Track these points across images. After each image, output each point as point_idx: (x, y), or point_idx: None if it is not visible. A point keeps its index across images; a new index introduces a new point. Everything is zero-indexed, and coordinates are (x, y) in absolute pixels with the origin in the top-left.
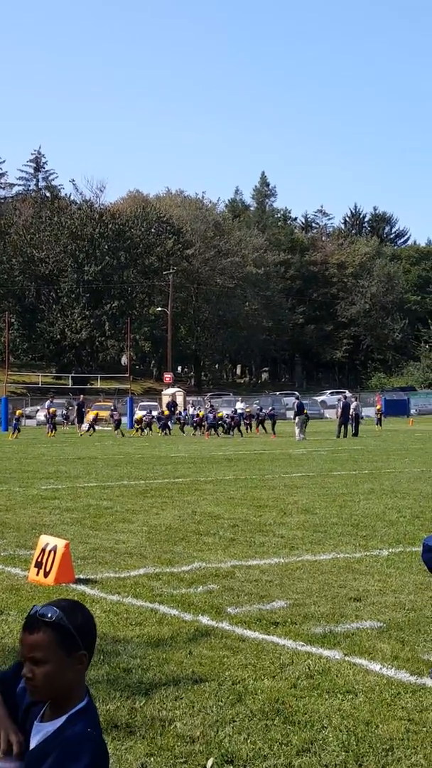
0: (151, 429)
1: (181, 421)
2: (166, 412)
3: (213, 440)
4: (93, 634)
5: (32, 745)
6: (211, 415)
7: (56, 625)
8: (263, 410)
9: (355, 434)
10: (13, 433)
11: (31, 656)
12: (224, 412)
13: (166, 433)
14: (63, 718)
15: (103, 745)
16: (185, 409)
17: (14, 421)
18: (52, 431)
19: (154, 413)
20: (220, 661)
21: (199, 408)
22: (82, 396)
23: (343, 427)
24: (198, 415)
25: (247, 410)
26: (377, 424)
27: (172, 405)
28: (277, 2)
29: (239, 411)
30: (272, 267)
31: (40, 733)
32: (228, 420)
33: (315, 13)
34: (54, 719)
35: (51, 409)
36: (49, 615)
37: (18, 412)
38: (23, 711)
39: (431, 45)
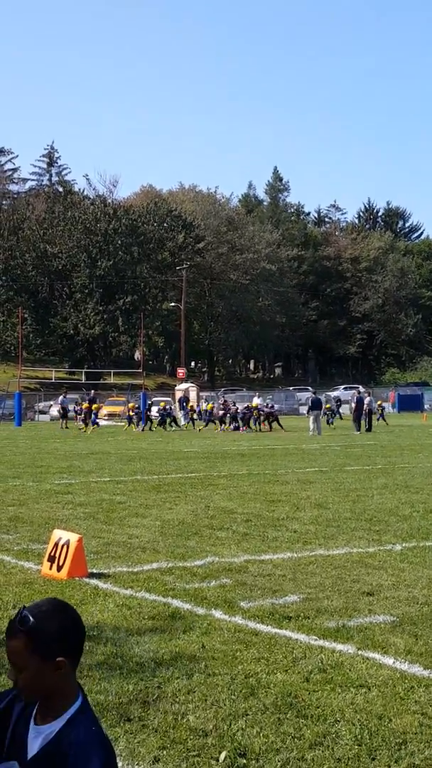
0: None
1: (193, 417)
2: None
3: (226, 435)
4: (73, 639)
5: (34, 749)
6: (221, 411)
7: (31, 631)
8: (269, 407)
9: (369, 429)
10: (91, 427)
11: (11, 661)
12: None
13: (165, 428)
14: (60, 721)
15: (109, 743)
16: (198, 405)
17: (93, 416)
18: (91, 426)
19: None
20: (233, 655)
21: (210, 402)
22: (93, 391)
23: (358, 422)
24: (207, 409)
25: (253, 405)
26: (380, 419)
27: (185, 400)
28: None
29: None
30: (286, 262)
31: (39, 736)
32: (241, 415)
33: (325, 8)
34: (50, 722)
35: (84, 404)
36: (24, 621)
37: (95, 406)
38: (20, 710)
39: None
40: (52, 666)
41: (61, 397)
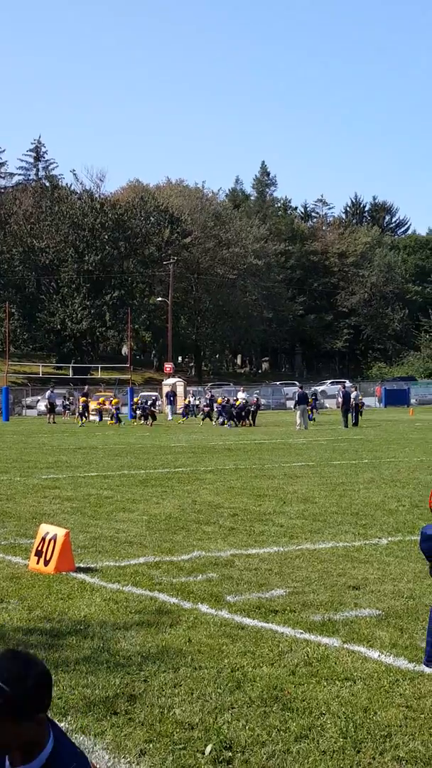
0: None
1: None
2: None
3: (212, 430)
4: (48, 691)
5: None
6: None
7: (7, 701)
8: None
9: (356, 424)
10: (85, 420)
11: None
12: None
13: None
14: (36, 764)
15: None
16: (186, 399)
17: (115, 411)
18: (113, 421)
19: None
20: (219, 649)
21: (199, 398)
22: (87, 387)
23: (346, 417)
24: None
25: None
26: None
27: (172, 395)
28: None
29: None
30: (273, 257)
31: None
32: (219, 408)
33: (314, 3)
34: (27, 764)
35: (81, 399)
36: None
37: (114, 401)
38: None
39: (430, 35)
40: (30, 724)
41: (48, 392)
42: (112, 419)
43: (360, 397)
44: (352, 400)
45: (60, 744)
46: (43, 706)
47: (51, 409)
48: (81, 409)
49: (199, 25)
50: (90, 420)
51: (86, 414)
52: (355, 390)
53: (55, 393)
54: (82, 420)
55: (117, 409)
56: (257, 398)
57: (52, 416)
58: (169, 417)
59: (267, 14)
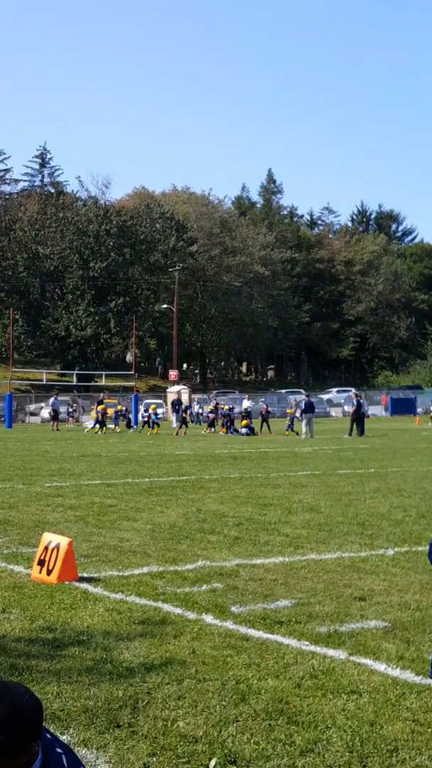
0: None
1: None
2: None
3: (218, 438)
4: (33, 727)
5: None
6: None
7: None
8: (234, 409)
9: (361, 433)
10: (151, 428)
11: None
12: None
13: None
14: None
15: None
16: (190, 407)
17: (153, 416)
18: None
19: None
20: (224, 661)
21: (203, 404)
22: (102, 395)
23: (353, 425)
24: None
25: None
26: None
27: (177, 403)
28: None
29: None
30: (279, 265)
31: None
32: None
33: (320, 11)
34: None
35: (99, 407)
36: None
37: (152, 407)
38: None
39: None
40: (22, 759)
41: (52, 399)
42: (148, 425)
43: (365, 407)
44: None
45: (47, 758)
46: (36, 735)
47: (55, 416)
48: (100, 417)
49: (205, 32)
50: (108, 427)
51: (104, 422)
52: (361, 399)
53: (58, 400)
54: (102, 429)
55: (155, 413)
56: (265, 406)
57: (55, 423)
58: (174, 425)
59: (274, 22)
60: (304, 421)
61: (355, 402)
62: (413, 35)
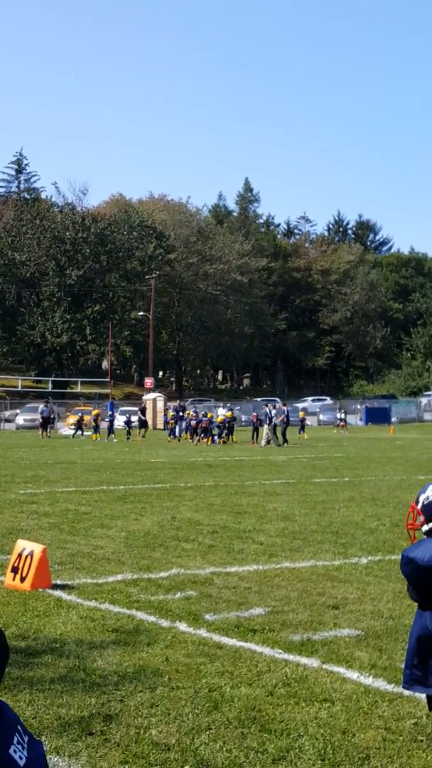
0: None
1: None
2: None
3: (192, 447)
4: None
5: None
6: (191, 422)
7: None
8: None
9: (285, 442)
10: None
11: None
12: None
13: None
14: None
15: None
16: (165, 415)
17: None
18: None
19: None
20: (197, 669)
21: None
22: (111, 400)
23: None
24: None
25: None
26: (301, 432)
27: (143, 410)
28: (262, 10)
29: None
30: (255, 273)
31: None
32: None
33: (297, 23)
34: None
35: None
36: None
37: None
38: None
39: (414, 54)
40: None
41: (41, 406)
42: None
43: (302, 414)
44: (280, 416)
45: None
46: None
47: (44, 424)
48: (93, 423)
49: (183, 40)
50: (87, 435)
51: (98, 428)
52: (284, 406)
53: (47, 407)
54: (107, 433)
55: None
56: (231, 412)
57: (45, 431)
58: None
59: (251, 32)
60: (265, 428)
61: (284, 410)
62: (389, 47)
